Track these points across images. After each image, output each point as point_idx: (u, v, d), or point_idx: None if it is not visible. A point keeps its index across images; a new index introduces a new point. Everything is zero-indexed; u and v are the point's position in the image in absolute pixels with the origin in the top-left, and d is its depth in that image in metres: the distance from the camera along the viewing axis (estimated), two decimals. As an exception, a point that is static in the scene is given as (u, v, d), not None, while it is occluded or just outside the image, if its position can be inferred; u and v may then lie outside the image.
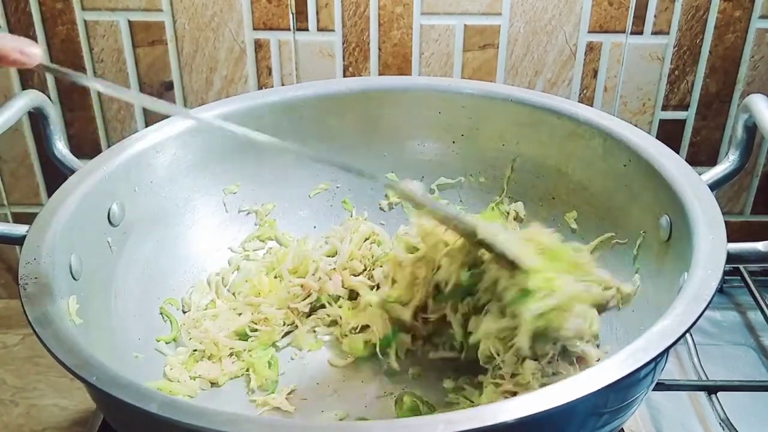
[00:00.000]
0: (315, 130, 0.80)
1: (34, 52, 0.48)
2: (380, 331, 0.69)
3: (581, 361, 0.61)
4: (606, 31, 0.85)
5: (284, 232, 0.82)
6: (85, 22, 0.84)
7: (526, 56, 0.86)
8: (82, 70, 0.86)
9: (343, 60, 0.87)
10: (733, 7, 0.83)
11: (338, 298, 0.75)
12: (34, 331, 0.50)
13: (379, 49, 0.86)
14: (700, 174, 0.64)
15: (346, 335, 0.71)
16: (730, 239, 0.55)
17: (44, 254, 0.57)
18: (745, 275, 0.88)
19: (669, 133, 0.90)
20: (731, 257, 0.54)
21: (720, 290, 0.87)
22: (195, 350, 0.70)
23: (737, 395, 0.75)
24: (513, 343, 0.60)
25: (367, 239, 0.79)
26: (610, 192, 0.71)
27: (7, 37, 0.48)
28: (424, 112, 0.80)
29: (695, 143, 0.91)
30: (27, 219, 0.92)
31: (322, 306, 0.75)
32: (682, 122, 0.90)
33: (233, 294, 0.76)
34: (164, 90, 0.88)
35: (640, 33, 0.85)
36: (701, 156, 0.91)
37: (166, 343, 0.70)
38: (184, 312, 0.74)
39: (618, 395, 0.51)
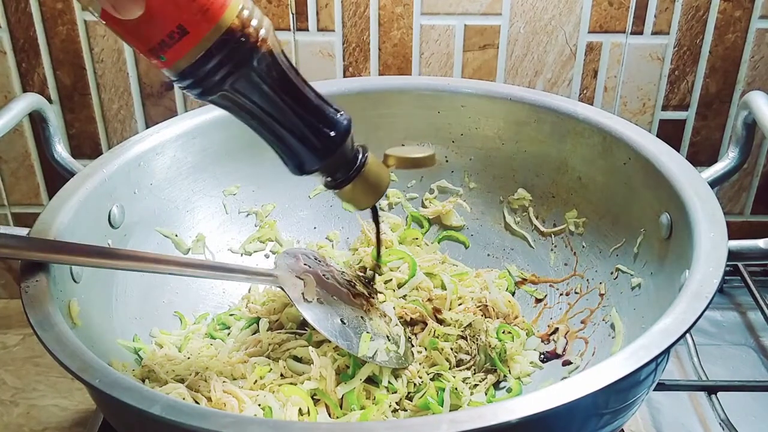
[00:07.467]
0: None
1: None
2: None
3: None
4: (606, 31, 0.85)
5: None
6: (86, 22, 0.84)
7: (526, 56, 0.86)
8: (82, 70, 0.86)
9: (343, 60, 0.87)
10: (733, 7, 0.83)
11: None
12: (37, 334, 0.50)
13: (379, 49, 0.86)
14: (700, 173, 0.64)
15: None
16: (730, 239, 0.55)
17: (45, 257, 0.57)
18: (745, 275, 0.88)
19: (669, 133, 0.90)
20: (732, 254, 0.54)
21: (720, 290, 0.87)
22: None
23: (737, 395, 0.75)
24: None
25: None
26: (610, 190, 0.71)
27: None
28: (424, 111, 0.80)
29: (695, 143, 0.91)
30: (27, 219, 0.93)
31: None
32: (682, 122, 0.90)
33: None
34: (164, 90, 0.88)
35: (640, 33, 0.85)
36: (701, 156, 0.91)
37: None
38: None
39: (620, 394, 0.50)
